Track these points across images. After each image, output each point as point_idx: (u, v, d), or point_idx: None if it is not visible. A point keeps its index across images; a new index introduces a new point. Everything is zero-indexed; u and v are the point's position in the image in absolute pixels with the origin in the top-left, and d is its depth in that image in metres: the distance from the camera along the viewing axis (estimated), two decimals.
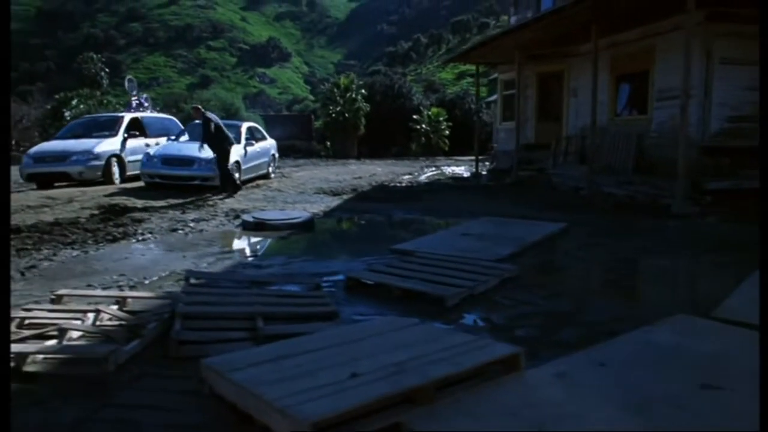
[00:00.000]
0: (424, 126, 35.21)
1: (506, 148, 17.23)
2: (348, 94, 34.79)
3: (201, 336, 3.18)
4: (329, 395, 2.23)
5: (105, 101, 34.68)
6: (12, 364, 2.89)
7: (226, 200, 9.62)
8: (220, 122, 10.56)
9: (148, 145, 12.58)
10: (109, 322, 3.57)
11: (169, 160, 10.54)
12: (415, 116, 35.37)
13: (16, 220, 7.38)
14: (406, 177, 15.63)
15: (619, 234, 7.08)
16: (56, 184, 11.59)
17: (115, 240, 6.40)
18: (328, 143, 36.80)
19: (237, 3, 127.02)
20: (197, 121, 10.75)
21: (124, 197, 9.49)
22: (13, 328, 3.40)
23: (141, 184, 11.37)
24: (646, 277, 5.55)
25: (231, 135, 10.67)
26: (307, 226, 7.34)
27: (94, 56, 55.67)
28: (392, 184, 13.33)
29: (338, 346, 2.87)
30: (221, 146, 10.18)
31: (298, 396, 2.21)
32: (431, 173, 17.34)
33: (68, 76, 65.68)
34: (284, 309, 3.63)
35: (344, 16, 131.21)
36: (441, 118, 35.38)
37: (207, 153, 10.26)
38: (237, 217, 8.02)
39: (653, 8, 10.18)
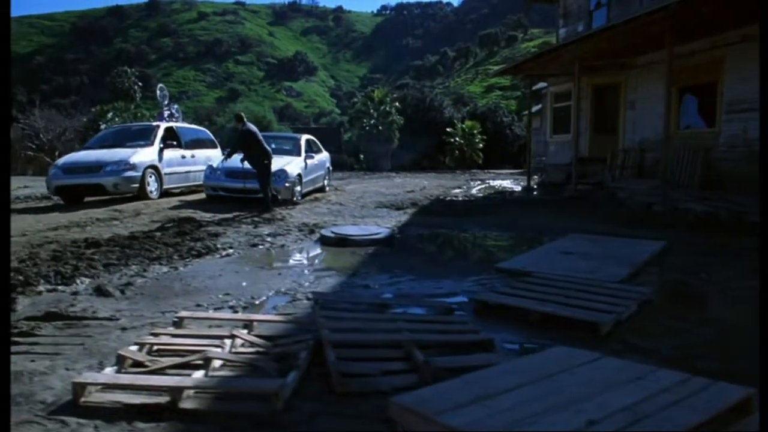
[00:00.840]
0: (457, 139, 34.91)
1: (557, 161, 16.83)
2: (382, 107, 34.68)
3: (366, 368, 2.85)
4: None
5: (139, 114, 35.14)
6: (167, 398, 2.61)
7: (293, 213, 9.37)
8: (260, 135, 10.05)
9: (183, 157, 12.12)
10: (243, 349, 3.28)
11: (233, 172, 10.23)
12: (448, 129, 35.09)
13: (90, 233, 7.21)
14: (457, 191, 15.30)
15: (723, 253, 6.63)
16: (87, 199, 10.90)
17: (199, 255, 6.15)
18: (362, 156, 36.63)
19: (265, 18, 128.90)
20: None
21: (190, 210, 9.30)
22: (145, 355, 3.14)
23: (177, 199, 11.09)
24: None
25: (270, 148, 10.10)
26: (389, 241, 7.04)
27: (128, 70, 56.52)
28: (448, 198, 12.98)
29: (533, 384, 2.53)
30: (261, 160, 9.69)
31: None
32: (480, 187, 16.97)
33: (101, 89, 66.93)
34: (437, 337, 3.30)
35: (370, 30, 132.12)
36: (475, 131, 35.05)
37: (235, 163, 9.93)
38: (312, 231, 7.75)
39: (736, 17, 9.80)
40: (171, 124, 12.97)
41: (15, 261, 5.60)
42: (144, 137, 11.67)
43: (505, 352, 3.24)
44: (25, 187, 15.46)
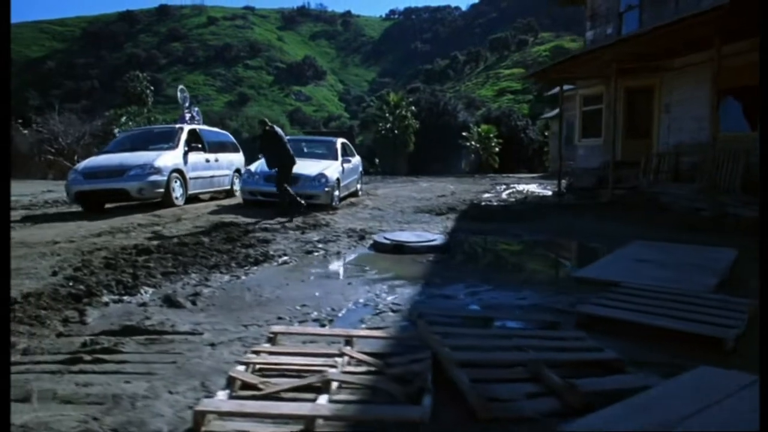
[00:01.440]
0: (473, 143, 34.66)
1: (586, 165, 16.54)
2: (398, 111, 34.45)
3: (507, 391, 2.61)
4: None
5: (152, 118, 35.07)
6: (298, 427, 2.37)
7: (336, 219, 9.14)
8: (285, 139, 9.80)
9: (208, 161, 11.71)
10: (351, 368, 3.04)
11: (272, 177, 9.88)
12: (464, 133, 34.86)
13: (136, 239, 7.00)
14: (487, 195, 15.05)
15: None
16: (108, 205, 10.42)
17: (257, 263, 5.92)
18: (377, 160, 36.40)
19: (274, 23, 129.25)
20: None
21: (231, 215, 9.09)
22: (250, 375, 2.89)
23: (214, 203, 10.82)
24: None
25: (292, 151, 9.81)
26: (446, 248, 6.80)
27: (140, 74, 56.50)
28: (483, 203, 12.73)
29: (705, 411, 2.29)
30: (284, 164, 9.46)
31: None
32: (509, 191, 16.71)
33: (111, 94, 67.07)
34: (566, 356, 3.05)
35: (378, 34, 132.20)
36: (491, 135, 34.79)
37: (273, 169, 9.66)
38: (362, 237, 7.52)
39: None
40: (194, 126, 12.48)
41: (70, 269, 5.40)
42: (167, 140, 11.09)
43: (641, 373, 2.97)
44: (48, 191, 15.34)
